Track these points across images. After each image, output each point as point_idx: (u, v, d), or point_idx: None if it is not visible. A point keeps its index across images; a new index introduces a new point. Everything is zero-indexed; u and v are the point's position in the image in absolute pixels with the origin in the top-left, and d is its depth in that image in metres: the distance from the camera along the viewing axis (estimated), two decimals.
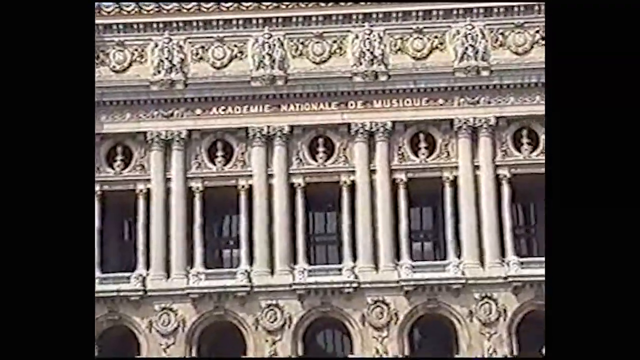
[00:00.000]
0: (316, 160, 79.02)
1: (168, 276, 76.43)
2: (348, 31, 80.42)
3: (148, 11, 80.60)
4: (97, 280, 74.11)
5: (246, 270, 76.16)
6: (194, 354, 75.94)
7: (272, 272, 76.39)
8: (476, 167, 77.66)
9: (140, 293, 75.35)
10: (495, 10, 79.91)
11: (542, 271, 68.55)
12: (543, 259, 71.07)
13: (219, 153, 79.11)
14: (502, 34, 79.98)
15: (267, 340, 74.82)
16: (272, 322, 75.10)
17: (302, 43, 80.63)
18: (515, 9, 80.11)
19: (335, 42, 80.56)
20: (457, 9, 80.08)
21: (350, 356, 74.60)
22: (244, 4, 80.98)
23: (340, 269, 76.80)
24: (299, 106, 79.20)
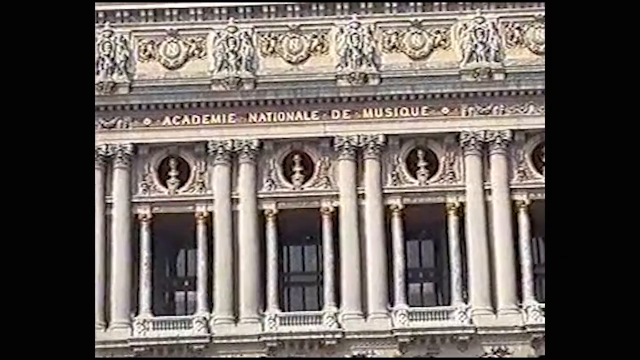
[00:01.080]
0: (291, 182, 70.19)
1: (106, 326, 66.82)
2: (331, 24, 72.14)
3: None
4: None
5: (204, 318, 67.35)
6: None
7: (236, 320, 67.27)
8: (487, 192, 69.20)
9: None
10: (510, 1, 72.60)
11: None
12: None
13: (172, 173, 69.93)
14: (518, 28, 71.62)
15: None
16: None
17: (274, 38, 72.30)
18: (526, 3, 73.41)
19: (315, 37, 72.28)
20: (462, 1, 73.15)
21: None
22: None
23: (320, 316, 67.93)
24: (271, 116, 70.37)
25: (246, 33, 71.10)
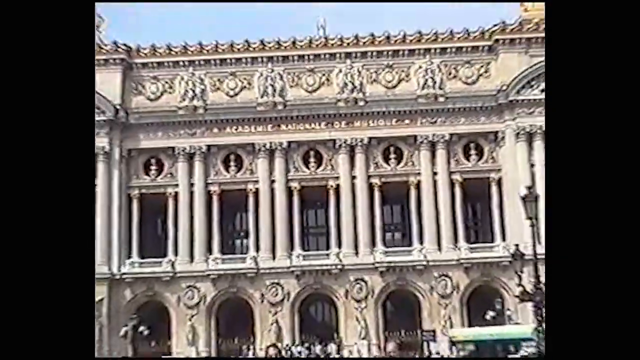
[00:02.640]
0: (309, 169, 79.32)
1: (192, 261, 76.76)
2: (334, 66, 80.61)
3: (176, 52, 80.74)
4: (137, 265, 76.59)
5: (254, 256, 76.63)
6: (212, 323, 76.33)
7: (274, 257, 76.72)
8: (435, 174, 78.16)
9: (171, 274, 75.70)
10: (449, 50, 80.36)
11: (486, 254, 75.06)
12: (487, 244, 76.19)
13: (232, 163, 79.36)
14: (454, 68, 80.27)
15: (270, 312, 75.32)
16: (274, 297, 75.42)
17: (297, 76, 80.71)
18: (464, 49, 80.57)
19: (323, 75, 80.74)
20: (419, 49, 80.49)
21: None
22: (252, 45, 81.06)
23: (328, 254, 77.29)
24: (295, 126, 79.32)
25: (279, 73, 79.83)
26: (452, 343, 62.28)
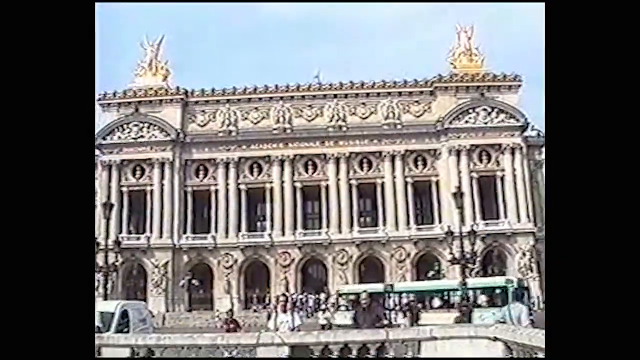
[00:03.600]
0: (308, 173, 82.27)
1: (227, 236, 79.95)
2: (325, 103, 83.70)
3: (217, 93, 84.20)
4: (190, 238, 79.08)
5: (269, 233, 79.88)
6: (241, 279, 79.22)
7: (283, 234, 79.92)
8: (394, 177, 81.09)
9: (213, 245, 79.05)
10: (404, 93, 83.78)
11: (428, 232, 76.79)
12: (429, 225, 77.82)
13: (255, 170, 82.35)
14: (407, 105, 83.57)
15: (281, 271, 78.31)
16: (284, 261, 78.69)
17: (300, 110, 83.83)
18: (414, 92, 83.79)
19: (318, 109, 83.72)
20: (383, 92, 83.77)
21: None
22: (269, 88, 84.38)
23: (320, 232, 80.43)
24: (298, 144, 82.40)
25: (287, 107, 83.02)
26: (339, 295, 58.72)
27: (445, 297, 50.22)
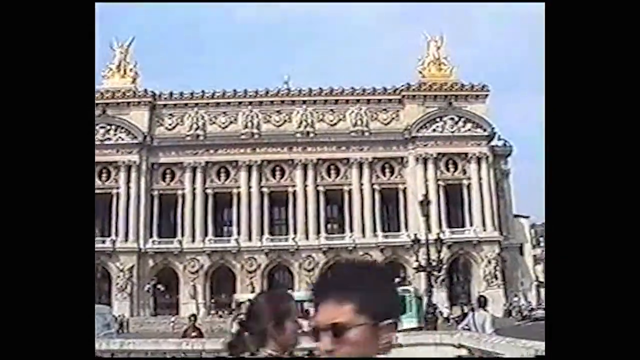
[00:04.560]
0: (275, 178, 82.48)
1: (194, 241, 79.81)
2: (294, 109, 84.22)
3: (185, 97, 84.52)
4: (156, 242, 78.46)
5: (236, 238, 79.97)
6: (207, 284, 78.71)
7: (250, 239, 79.89)
8: (361, 184, 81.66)
9: (179, 249, 78.77)
10: (372, 101, 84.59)
11: (395, 239, 77.06)
12: (395, 232, 78.28)
13: (222, 174, 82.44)
14: (376, 113, 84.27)
15: (247, 277, 78.21)
16: (250, 267, 78.76)
17: (269, 115, 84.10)
18: (382, 100, 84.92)
19: (286, 115, 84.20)
20: (352, 99, 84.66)
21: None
22: (238, 93, 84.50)
23: (287, 238, 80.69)
24: (266, 149, 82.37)
25: (256, 113, 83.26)
26: None
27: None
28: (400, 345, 14.04)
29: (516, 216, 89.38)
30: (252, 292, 70.94)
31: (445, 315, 64.17)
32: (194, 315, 22.29)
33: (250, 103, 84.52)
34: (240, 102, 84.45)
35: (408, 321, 39.03)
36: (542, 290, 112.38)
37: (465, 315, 23.84)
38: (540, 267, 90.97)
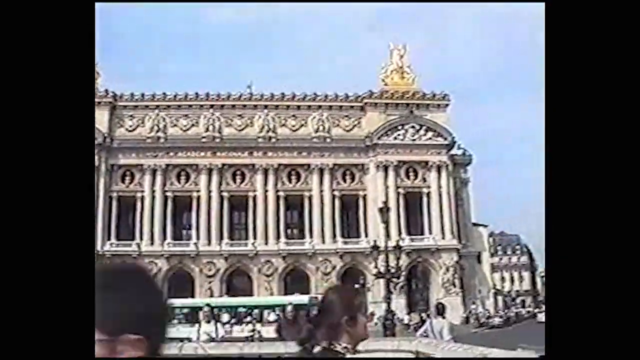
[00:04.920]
0: (235, 183, 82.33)
1: (152, 244, 79.14)
2: (255, 114, 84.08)
3: (147, 99, 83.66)
4: (114, 245, 77.08)
5: (195, 242, 79.61)
6: (165, 288, 76.30)
7: (209, 244, 79.73)
8: (322, 190, 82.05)
9: (137, 253, 77.28)
10: (334, 107, 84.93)
11: (354, 246, 77.23)
12: (355, 239, 78.31)
13: (182, 177, 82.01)
14: (337, 119, 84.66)
15: (206, 281, 77.74)
16: (209, 271, 78.30)
17: (230, 119, 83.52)
18: (344, 107, 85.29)
19: (249, 119, 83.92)
20: (314, 105, 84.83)
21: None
22: (200, 96, 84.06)
23: (247, 243, 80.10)
24: (227, 153, 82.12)
25: (218, 116, 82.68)
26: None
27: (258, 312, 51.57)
28: (357, 351, 14.18)
29: (475, 224, 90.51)
30: (211, 296, 72.60)
31: (405, 321, 64.83)
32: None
33: (212, 106, 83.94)
34: (201, 105, 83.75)
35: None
36: (500, 298, 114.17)
37: (423, 322, 24.21)
38: (497, 275, 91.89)
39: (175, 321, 50.78)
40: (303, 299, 51.67)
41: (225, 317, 45.16)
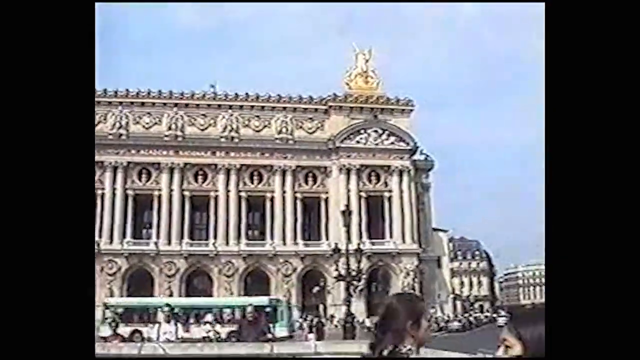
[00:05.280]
0: (197, 182, 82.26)
1: (112, 242, 78.34)
2: (219, 114, 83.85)
3: (109, 94, 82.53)
4: None
5: (155, 242, 79.38)
6: (124, 287, 77.01)
7: (169, 243, 79.61)
8: (284, 192, 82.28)
9: (96, 250, 72.67)
10: (298, 109, 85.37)
11: (315, 248, 77.57)
12: (316, 241, 78.73)
13: (144, 176, 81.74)
14: (301, 122, 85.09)
15: (166, 281, 77.62)
16: (169, 271, 78.20)
17: (193, 118, 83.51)
18: (308, 109, 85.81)
19: (212, 119, 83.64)
20: (278, 107, 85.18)
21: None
22: (163, 94, 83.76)
23: (207, 243, 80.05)
24: (189, 152, 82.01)
25: (181, 115, 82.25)
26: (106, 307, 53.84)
27: (217, 313, 51.93)
28: (319, 354, 14.27)
29: (435, 229, 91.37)
30: (171, 296, 72.90)
31: (366, 324, 65.19)
32: (114, 320, 22.03)
33: (176, 105, 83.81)
34: (165, 104, 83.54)
35: (280, 330, 42.36)
36: (458, 303, 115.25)
37: None
38: (457, 280, 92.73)
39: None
40: (263, 300, 52.09)
41: (185, 317, 44.84)
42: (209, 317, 47.35)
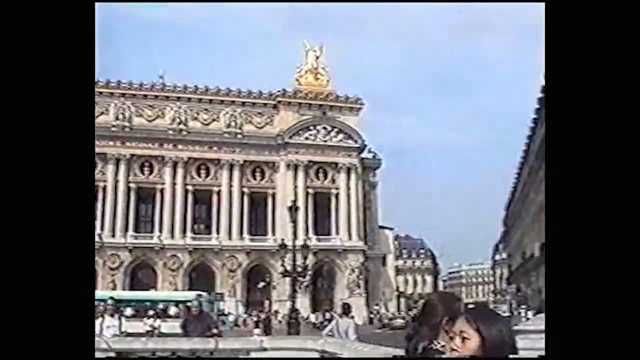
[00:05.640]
0: (144, 174, 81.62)
1: (113, 235, 78.05)
2: (167, 105, 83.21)
3: (111, 86, 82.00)
4: None
5: (99, 234, 76.11)
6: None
7: (113, 235, 78.23)
8: (231, 186, 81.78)
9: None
10: (247, 103, 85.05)
11: (262, 243, 77.75)
12: (262, 237, 78.68)
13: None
14: (250, 116, 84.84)
15: (110, 274, 76.29)
16: (113, 264, 76.78)
17: (141, 109, 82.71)
18: (258, 104, 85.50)
19: (159, 110, 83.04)
20: (227, 100, 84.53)
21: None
22: (111, 84, 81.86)
23: (152, 236, 79.65)
24: (136, 144, 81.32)
25: (128, 106, 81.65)
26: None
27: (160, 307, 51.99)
28: (264, 349, 14.27)
29: (381, 227, 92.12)
30: (113, 288, 71.03)
31: (311, 320, 65.64)
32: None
33: (123, 95, 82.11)
34: (112, 93, 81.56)
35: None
36: (402, 300, 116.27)
37: (329, 321, 24.37)
38: (401, 278, 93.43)
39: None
40: (189, 295, 52.03)
41: (128, 311, 44.15)
42: (152, 312, 46.88)
